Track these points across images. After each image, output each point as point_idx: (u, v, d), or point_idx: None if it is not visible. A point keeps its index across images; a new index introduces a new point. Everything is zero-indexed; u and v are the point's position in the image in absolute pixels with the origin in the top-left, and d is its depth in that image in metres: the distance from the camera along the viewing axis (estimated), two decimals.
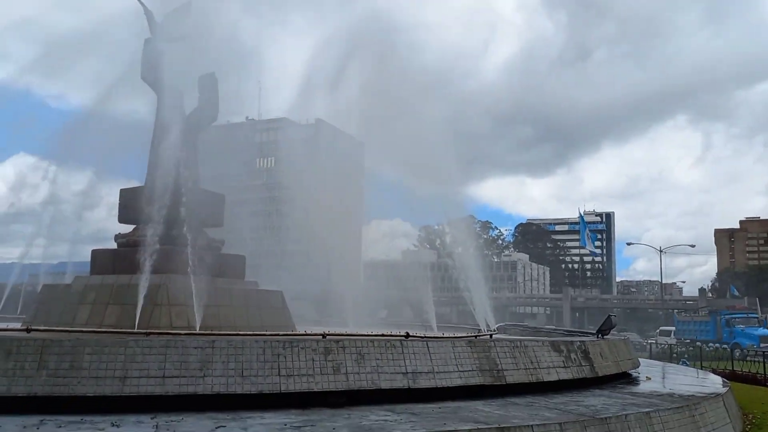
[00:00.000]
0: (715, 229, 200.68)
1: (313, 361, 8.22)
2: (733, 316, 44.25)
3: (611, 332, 13.79)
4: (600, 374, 11.69)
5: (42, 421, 6.54)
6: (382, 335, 10.33)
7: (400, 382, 8.91)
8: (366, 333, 10.85)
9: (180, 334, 8.39)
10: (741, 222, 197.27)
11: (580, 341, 11.79)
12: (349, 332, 10.88)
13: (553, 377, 10.60)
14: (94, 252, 17.53)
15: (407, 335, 10.16)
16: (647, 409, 9.04)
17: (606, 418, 8.34)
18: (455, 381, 9.35)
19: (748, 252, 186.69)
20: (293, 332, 9.71)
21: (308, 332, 9.77)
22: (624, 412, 8.74)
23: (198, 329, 11.91)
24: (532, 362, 10.39)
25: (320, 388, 8.08)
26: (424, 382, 9.08)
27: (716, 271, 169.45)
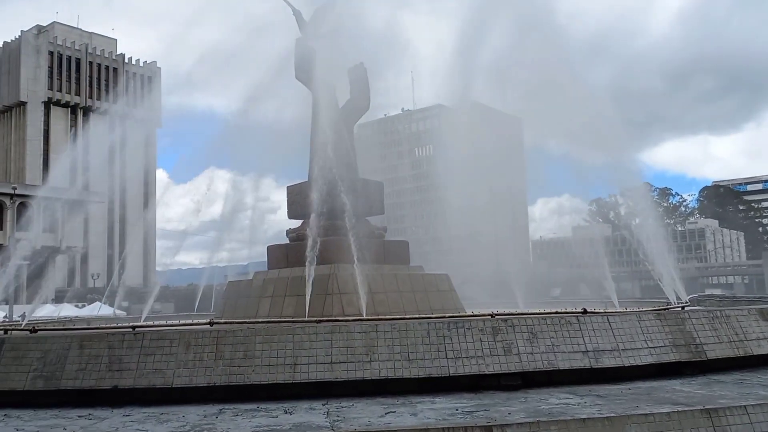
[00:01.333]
0: None
1: (482, 342, 7.73)
2: None
3: None
4: None
5: (221, 410, 6.76)
6: (556, 312, 9.56)
7: (581, 362, 8.12)
8: (537, 311, 10.12)
9: (346, 320, 8.33)
10: None
11: None
12: (518, 312, 10.22)
13: (765, 350, 9.12)
14: (269, 248, 18.49)
15: (584, 311, 9.31)
16: None
17: None
18: (645, 359, 8.35)
19: None
20: (459, 314, 9.27)
21: (475, 313, 9.31)
22: None
23: (365, 315, 11.94)
24: (737, 334, 9.01)
25: (491, 370, 7.57)
26: (608, 361, 8.20)
27: None
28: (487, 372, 7.59)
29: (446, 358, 7.52)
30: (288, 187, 18.55)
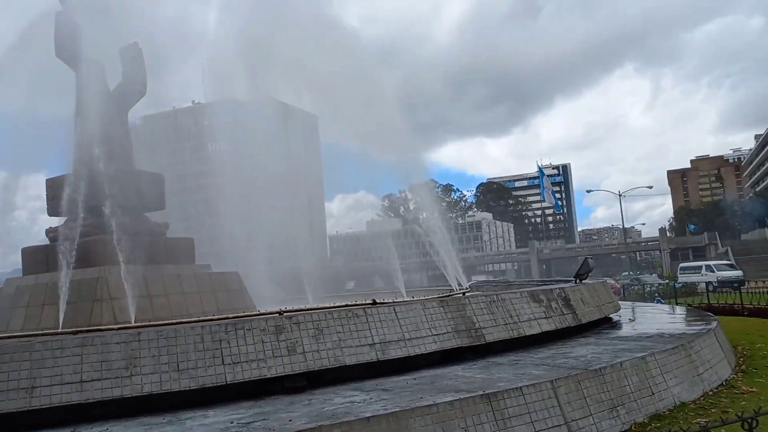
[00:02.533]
0: (668, 171, 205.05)
1: (264, 343, 7.07)
2: None
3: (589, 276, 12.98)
4: (583, 321, 10.87)
5: None
6: (345, 305, 9.23)
7: (368, 355, 7.85)
8: (325, 306, 9.72)
9: (100, 329, 7.11)
10: (692, 161, 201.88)
11: (559, 288, 10.91)
12: (306, 307, 9.74)
13: (536, 330, 9.71)
14: (24, 250, 15.95)
15: (374, 302, 9.13)
16: (642, 354, 8.19)
17: (600, 369, 7.45)
18: (430, 346, 8.35)
19: (701, 189, 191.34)
20: (240, 314, 8.50)
21: (260, 312, 8.62)
22: (618, 360, 7.86)
23: (134, 321, 10.61)
24: (511, 316, 9.45)
25: (274, 373, 6.95)
26: (394, 352, 8.04)
27: (672, 210, 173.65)
28: (269, 376, 6.95)
29: (223, 364, 6.73)
30: (47, 180, 16.12)
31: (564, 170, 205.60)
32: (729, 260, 52.16)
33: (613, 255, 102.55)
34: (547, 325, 10.01)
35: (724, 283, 37.96)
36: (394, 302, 9.28)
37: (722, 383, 8.97)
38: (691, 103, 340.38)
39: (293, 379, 7.12)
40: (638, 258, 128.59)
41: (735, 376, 9.53)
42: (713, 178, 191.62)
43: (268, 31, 21.72)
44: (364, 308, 8.36)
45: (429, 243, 20.72)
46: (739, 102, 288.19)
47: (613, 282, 44.53)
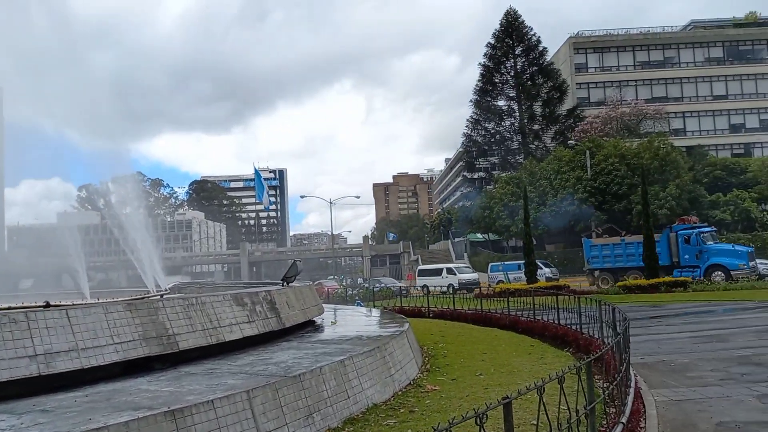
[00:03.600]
0: (373, 184, 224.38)
1: None
2: (699, 229, 32.22)
3: (296, 279, 12.85)
4: (287, 325, 10.61)
5: None
6: (1, 309, 7.48)
7: (26, 369, 6.37)
8: None
9: None
10: (394, 177, 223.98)
11: (265, 291, 10.49)
12: None
13: (237, 335, 9.10)
14: None
15: (47, 305, 7.57)
16: (341, 357, 8.15)
17: (300, 375, 7.14)
18: (110, 357, 7.15)
19: (400, 202, 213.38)
20: None
21: None
22: (318, 365, 7.67)
23: None
24: (211, 321, 8.68)
25: None
26: (63, 364, 6.68)
27: (375, 220, 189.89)
28: None
29: None
30: None
31: (281, 175, 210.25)
32: (466, 264, 56.02)
33: (321, 259, 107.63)
34: (250, 330, 9.49)
35: (465, 285, 39.55)
36: (69, 306, 7.81)
37: (410, 382, 9.45)
38: (397, 124, 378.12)
39: None
40: (343, 263, 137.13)
41: (421, 375, 10.17)
42: (410, 193, 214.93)
43: None
44: (26, 312, 6.81)
45: (123, 239, 18.94)
46: (437, 128, 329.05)
47: (334, 283, 45.98)
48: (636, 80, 69.94)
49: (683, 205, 46.07)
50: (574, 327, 12.74)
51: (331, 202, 65.55)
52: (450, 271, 45.12)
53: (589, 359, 4.91)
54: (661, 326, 16.47)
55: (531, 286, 28.64)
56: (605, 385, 6.23)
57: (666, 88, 70.21)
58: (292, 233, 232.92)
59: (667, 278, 28.67)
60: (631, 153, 48.88)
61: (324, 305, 21.61)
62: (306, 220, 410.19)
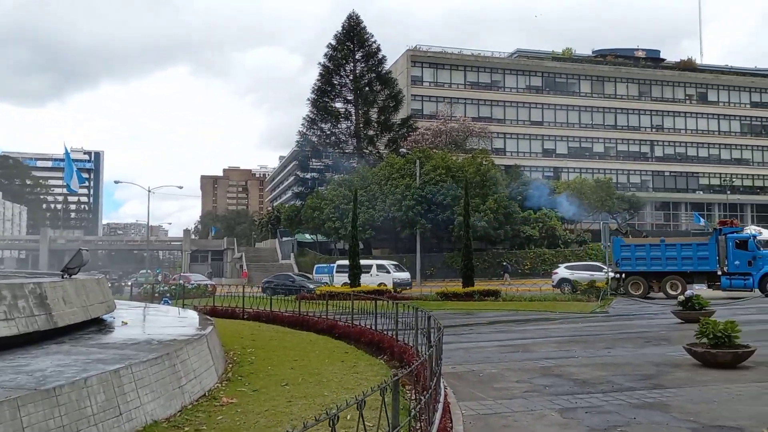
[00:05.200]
0: (201, 175, 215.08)
1: None
2: (753, 236, 29.69)
3: (80, 270, 11.02)
4: (60, 324, 8.90)
5: None
6: None
7: None
8: None
9: None
10: (224, 170, 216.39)
11: (33, 284, 8.70)
12: None
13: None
14: None
15: None
16: (116, 366, 6.81)
17: (55, 388, 5.74)
18: None
19: (229, 197, 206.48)
20: None
21: None
22: (85, 375, 6.29)
23: None
24: None
25: None
26: None
27: (200, 214, 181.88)
28: None
29: None
30: None
31: (96, 157, 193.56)
32: (394, 262, 49.05)
33: (135, 252, 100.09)
34: (6, 330, 7.74)
35: (399, 285, 36.50)
36: None
37: (205, 394, 8.31)
38: (235, 117, 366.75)
39: None
40: (162, 257, 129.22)
41: (220, 385, 9.06)
42: (241, 189, 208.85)
43: None
44: None
45: None
46: (276, 126, 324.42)
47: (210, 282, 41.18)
48: (465, 98, 73.89)
49: (499, 219, 49.19)
50: (390, 333, 12.36)
51: (149, 191, 61.02)
52: (382, 268, 38.97)
53: (396, 378, 4.24)
54: (472, 334, 16.81)
55: (354, 289, 28.47)
56: (413, 405, 5.65)
57: (491, 109, 75.08)
58: (106, 221, 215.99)
59: (480, 287, 29.92)
60: (456, 166, 51.28)
61: (127, 303, 19.45)
62: (124, 208, 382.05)
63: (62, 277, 10.28)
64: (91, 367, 6.79)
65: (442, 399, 7.02)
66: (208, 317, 14.03)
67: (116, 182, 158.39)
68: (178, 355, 8.11)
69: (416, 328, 10.48)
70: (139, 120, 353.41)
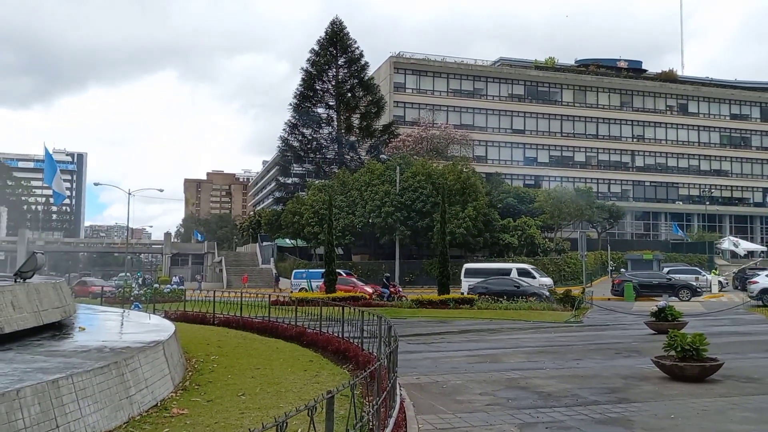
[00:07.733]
0: (185, 179, 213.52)
1: None
2: None
3: (36, 274, 10.69)
4: (7, 330, 8.58)
5: None
6: None
7: None
8: None
9: None
10: (208, 174, 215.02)
11: None
12: None
13: None
14: None
15: None
16: (57, 376, 6.53)
17: None
18: None
19: (212, 201, 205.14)
20: None
21: None
22: (18, 385, 6.01)
23: None
24: None
25: None
26: None
27: (183, 217, 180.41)
28: None
29: None
30: None
31: (79, 159, 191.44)
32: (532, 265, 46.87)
33: (117, 254, 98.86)
34: None
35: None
36: None
37: (156, 405, 8.03)
38: (221, 122, 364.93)
39: None
40: (144, 260, 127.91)
41: (174, 394, 8.78)
42: (224, 193, 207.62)
43: None
44: None
45: None
46: (261, 131, 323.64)
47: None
48: (448, 106, 73.97)
49: (478, 227, 49.15)
50: (356, 342, 12.15)
51: (129, 193, 60.33)
52: (525, 272, 35.06)
53: (331, 396, 4.04)
54: (443, 343, 16.62)
55: (329, 295, 28.22)
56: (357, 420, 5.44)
57: (473, 117, 75.21)
58: (88, 223, 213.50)
59: (455, 295, 29.74)
60: (437, 173, 51.19)
61: (93, 307, 19.05)
62: (108, 211, 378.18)
63: (15, 281, 9.95)
64: (29, 377, 6.50)
65: (395, 414, 6.82)
66: (172, 323, 13.70)
67: (96, 184, 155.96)
68: (128, 364, 7.83)
69: (380, 337, 10.27)
70: (125, 124, 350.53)
